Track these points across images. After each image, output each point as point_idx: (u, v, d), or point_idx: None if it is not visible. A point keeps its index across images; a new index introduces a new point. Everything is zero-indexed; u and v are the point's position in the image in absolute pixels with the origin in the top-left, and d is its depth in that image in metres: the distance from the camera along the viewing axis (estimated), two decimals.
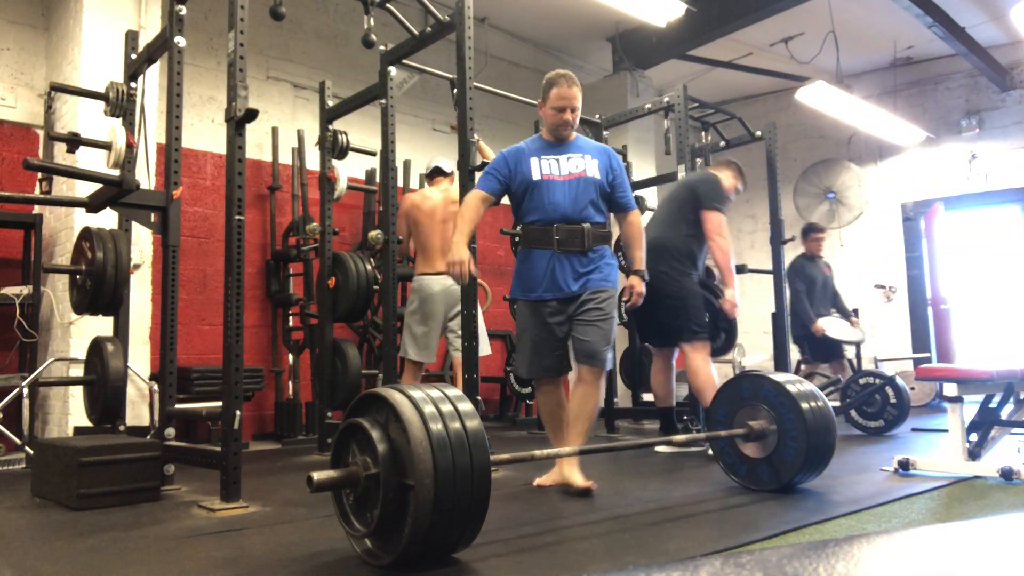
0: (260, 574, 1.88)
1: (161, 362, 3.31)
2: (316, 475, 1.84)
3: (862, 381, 4.96)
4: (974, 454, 3.20)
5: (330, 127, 4.49)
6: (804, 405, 2.76)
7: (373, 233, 4.36)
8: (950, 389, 3.20)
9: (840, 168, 8.29)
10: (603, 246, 3.01)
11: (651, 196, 6.64)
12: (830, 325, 5.75)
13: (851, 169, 8.23)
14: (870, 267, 7.95)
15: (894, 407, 4.82)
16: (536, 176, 2.97)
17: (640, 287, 3.06)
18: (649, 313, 3.91)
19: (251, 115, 2.75)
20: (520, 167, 3.00)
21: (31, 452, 3.70)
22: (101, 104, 3.56)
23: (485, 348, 4.27)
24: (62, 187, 4.46)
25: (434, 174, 4.63)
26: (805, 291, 6.06)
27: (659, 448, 4.04)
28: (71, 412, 4.14)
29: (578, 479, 2.88)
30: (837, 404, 4.93)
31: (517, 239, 4.44)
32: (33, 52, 4.84)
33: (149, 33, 4.29)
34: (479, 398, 3.34)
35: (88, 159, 4.01)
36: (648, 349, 6.04)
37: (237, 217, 2.78)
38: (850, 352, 5.93)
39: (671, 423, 4.19)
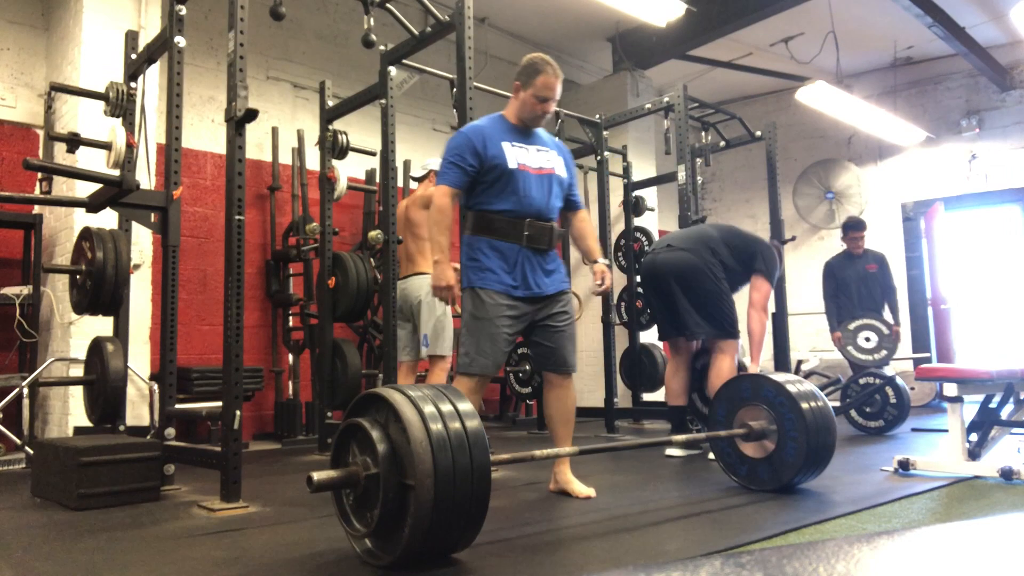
0: (260, 574, 1.88)
1: (161, 362, 3.31)
2: (316, 475, 1.84)
3: (862, 381, 4.95)
4: (974, 454, 3.20)
5: (330, 127, 4.49)
6: (804, 405, 2.76)
7: (373, 233, 4.35)
8: (950, 389, 3.20)
9: (840, 168, 8.29)
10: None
11: (651, 196, 6.65)
12: (854, 337, 5.59)
13: (850, 169, 8.23)
14: None
15: (894, 407, 4.82)
16: (512, 164, 2.75)
17: (609, 273, 2.96)
18: (674, 296, 3.86)
19: (251, 115, 2.75)
20: (490, 150, 2.74)
21: (31, 452, 3.70)
22: (101, 104, 3.56)
23: (444, 348, 4.28)
24: (62, 187, 4.46)
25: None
26: (833, 294, 5.87)
27: (671, 451, 3.96)
28: (71, 412, 4.13)
29: (578, 488, 2.83)
30: (837, 404, 4.93)
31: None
32: (33, 52, 4.84)
33: (149, 33, 4.29)
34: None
35: (88, 159, 4.01)
36: (648, 349, 6.06)
37: (237, 217, 2.78)
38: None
39: (684, 422, 4.15)
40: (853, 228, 5.92)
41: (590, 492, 2.81)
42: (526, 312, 2.80)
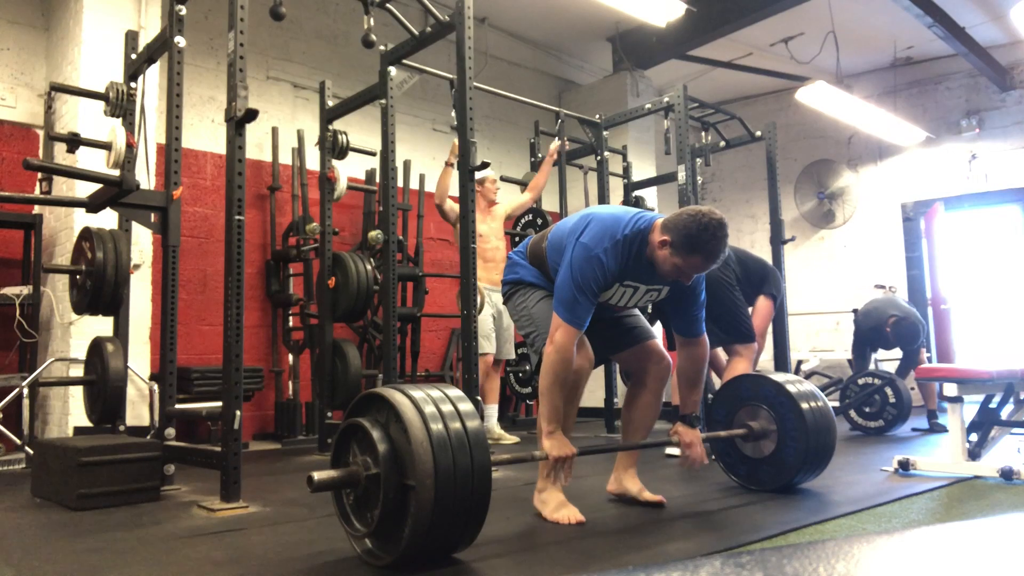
0: (260, 574, 1.88)
1: (161, 362, 3.31)
2: (316, 475, 1.84)
3: (862, 381, 4.95)
4: (974, 454, 3.20)
5: (330, 127, 4.49)
6: (804, 405, 2.76)
7: (373, 233, 4.35)
8: (950, 389, 3.20)
9: (837, 169, 8.30)
10: None
11: (651, 196, 6.64)
12: None
13: (847, 170, 8.24)
14: (870, 267, 7.95)
15: (894, 407, 4.82)
16: (601, 299, 2.44)
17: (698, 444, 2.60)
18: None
19: (251, 115, 2.75)
20: (605, 290, 2.42)
21: (31, 452, 3.70)
22: (101, 104, 3.56)
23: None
24: (62, 187, 4.46)
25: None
26: None
27: (671, 451, 3.95)
28: (71, 412, 4.13)
29: (646, 493, 2.67)
30: (837, 404, 4.92)
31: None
32: (33, 52, 4.84)
33: (149, 33, 4.29)
34: (479, 398, 3.34)
35: (88, 159, 4.01)
36: None
37: (237, 217, 2.78)
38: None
39: None
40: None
41: (659, 498, 2.64)
42: None
